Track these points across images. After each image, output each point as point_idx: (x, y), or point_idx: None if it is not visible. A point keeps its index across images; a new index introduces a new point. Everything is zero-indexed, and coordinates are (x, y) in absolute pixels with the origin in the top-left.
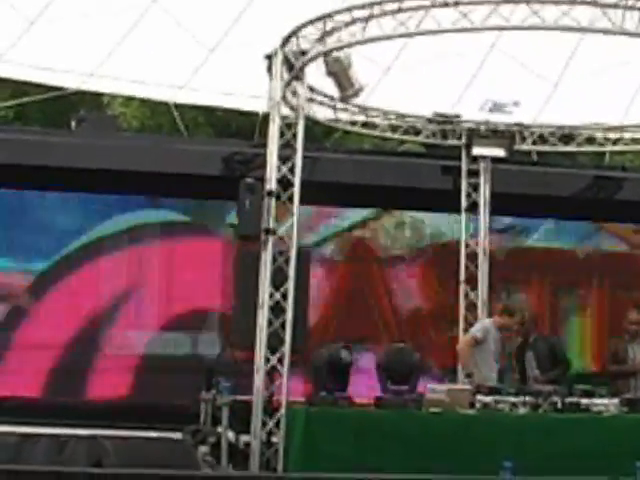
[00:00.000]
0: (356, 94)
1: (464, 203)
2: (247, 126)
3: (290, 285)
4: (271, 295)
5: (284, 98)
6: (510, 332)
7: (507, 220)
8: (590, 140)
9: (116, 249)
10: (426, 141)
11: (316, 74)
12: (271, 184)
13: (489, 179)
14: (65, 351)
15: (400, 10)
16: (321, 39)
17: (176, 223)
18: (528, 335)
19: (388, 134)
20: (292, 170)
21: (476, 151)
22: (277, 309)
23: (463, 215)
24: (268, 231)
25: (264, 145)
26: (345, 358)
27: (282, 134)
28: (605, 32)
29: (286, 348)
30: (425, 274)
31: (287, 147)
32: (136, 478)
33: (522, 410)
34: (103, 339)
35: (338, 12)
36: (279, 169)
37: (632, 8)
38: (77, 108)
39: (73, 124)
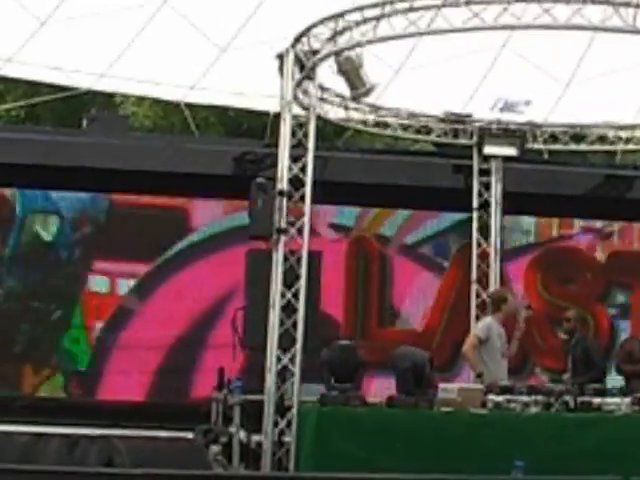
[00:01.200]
0: (367, 93)
1: (475, 202)
2: (258, 125)
3: (302, 284)
4: (283, 295)
5: (295, 97)
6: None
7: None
8: (602, 139)
9: (220, 249)
10: (437, 140)
11: (327, 73)
12: (283, 184)
13: (500, 178)
14: (169, 352)
15: (411, 9)
16: (332, 38)
17: None
18: (572, 335)
19: (399, 133)
20: (304, 170)
21: (487, 150)
22: (289, 309)
23: (475, 214)
24: (280, 231)
25: (275, 145)
26: (357, 357)
27: (293, 133)
28: (617, 31)
29: (298, 348)
30: (529, 275)
31: (298, 146)
32: (147, 478)
33: (534, 409)
34: (207, 339)
35: (349, 11)
36: (290, 169)
37: None
38: (89, 108)
39: (85, 124)
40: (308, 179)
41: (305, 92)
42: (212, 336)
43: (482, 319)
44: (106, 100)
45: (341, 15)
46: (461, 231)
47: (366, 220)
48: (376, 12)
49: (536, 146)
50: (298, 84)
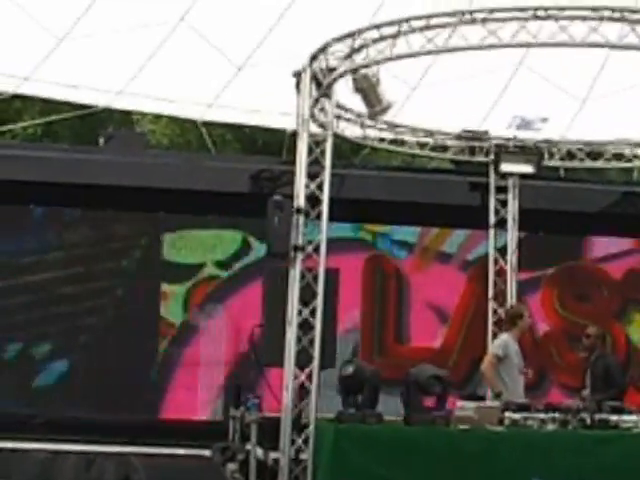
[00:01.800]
0: (384, 111)
1: (492, 219)
2: (274, 142)
3: (319, 302)
4: (300, 312)
5: (312, 115)
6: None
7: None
8: (618, 156)
9: None
10: (454, 158)
11: (344, 91)
12: (299, 201)
13: (517, 195)
14: (234, 367)
15: (428, 27)
16: (349, 56)
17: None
18: (592, 352)
19: (416, 151)
20: (320, 187)
21: (504, 167)
22: (305, 326)
23: (492, 231)
24: (297, 248)
25: (292, 162)
26: (374, 375)
27: (310, 151)
28: (633, 48)
29: (315, 365)
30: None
31: (315, 164)
32: None
33: (551, 427)
34: None
35: (366, 29)
36: (307, 186)
37: None
38: (106, 125)
39: (102, 141)
40: (325, 197)
41: (322, 110)
42: None
43: (499, 336)
44: (123, 118)
45: (358, 33)
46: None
47: (428, 238)
48: (393, 30)
49: (552, 163)
50: (315, 102)
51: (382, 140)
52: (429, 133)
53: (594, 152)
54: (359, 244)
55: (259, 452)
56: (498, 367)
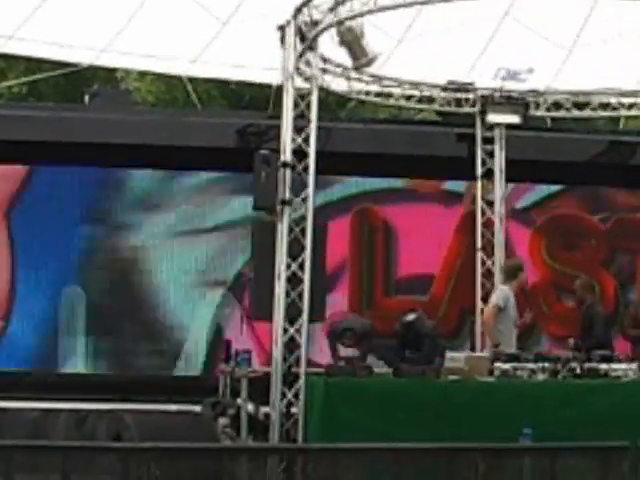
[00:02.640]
0: (369, 63)
1: (479, 170)
2: (260, 97)
3: (307, 255)
4: (288, 266)
5: (297, 69)
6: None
7: None
8: (604, 106)
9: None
10: (441, 109)
11: (329, 44)
12: (286, 155)
13: (504, 146)
14: None
15: None
16: (333, 9)
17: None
18: (582, 302)
19: (402, 103)
20: (307, 141)
21: (491, 118)
22: (294, 280)
23: (479, 182)
24: (284, 202)
25: (278, 116)
26: (364, 327)
27: (296, 105)
28: None
29: (304, 319)
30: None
31: (301, 118)
32: (156, 451)
33: (541, 377)
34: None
35: None
36: (294, 140)
37: None
38: (90, 84)
39: (87, 99)
40: (311, 150)
41: (307, 63)
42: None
43: (498, 288)
44: (108, 76)
45: None
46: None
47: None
48: None
49: (539, 113)
50: (300, 55)
51: (368, 93)
52: (415, 85)
53: (580, 102)
54: None
55: (250, 407)
56: (497, 317)
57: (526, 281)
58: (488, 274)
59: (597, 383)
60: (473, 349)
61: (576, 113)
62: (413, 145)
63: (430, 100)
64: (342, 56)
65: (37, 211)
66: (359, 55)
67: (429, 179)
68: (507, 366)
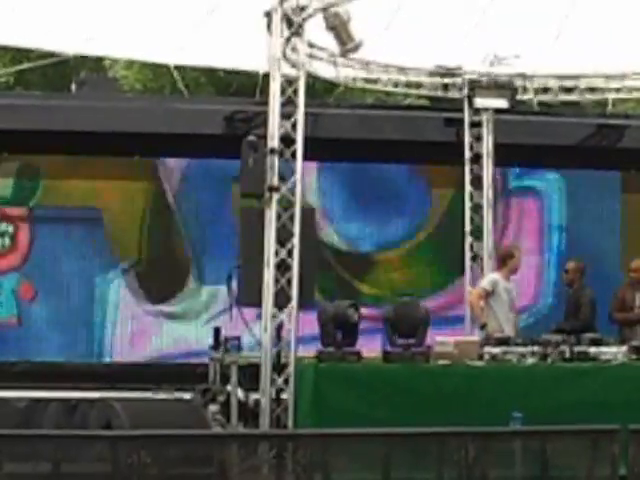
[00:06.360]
0: (356, 48)
1: (467, 154)
2: (249, 84)
3: (295, 242)
4: (277, 252)
5: (284, 55)
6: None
7: None
8: (592, 89)
9: None
10: (428, 94)
11: (316, 30)
12: (273, 141)
13: (492, 130)
14: None
15: None
16: None
17: None
18: (571, 285)
19: (390, 88)
20: (294, 127)
21: (478, 103)
22: (283, 266)
23: (467, 167)
24: (272, 189)
25: (266, 103)
26: (351, 316)
27: (283, 91)
28: None
29: (293, 305)
30: None
31: (289, 104)
32: (146, 439)
33: (530, 360)
34: None
35: None
36: (281, 126)
37: None
38: (78, 72)
39: (74, 87)
40: (299, 136)
41: (294, 49)
42: None
43: (487, 275)
44: (95, 64)
45: None
46: None
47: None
48: None
49: (527, 97)
50: (287, 41)
51: (355, 79)
52: (402, 70)
53: (568, 85)
54: None
55: (240, 393)
56: (489, 301)
57: (516, 268)
58: (477, 259)
59: (587, 366)
60: None
61: (563, 97)
62: (401, 130)
63: (418, 85)
64: (329, 42)
65: None
66: (346, 41)
67: (417, 164)
68: (496, 350)
